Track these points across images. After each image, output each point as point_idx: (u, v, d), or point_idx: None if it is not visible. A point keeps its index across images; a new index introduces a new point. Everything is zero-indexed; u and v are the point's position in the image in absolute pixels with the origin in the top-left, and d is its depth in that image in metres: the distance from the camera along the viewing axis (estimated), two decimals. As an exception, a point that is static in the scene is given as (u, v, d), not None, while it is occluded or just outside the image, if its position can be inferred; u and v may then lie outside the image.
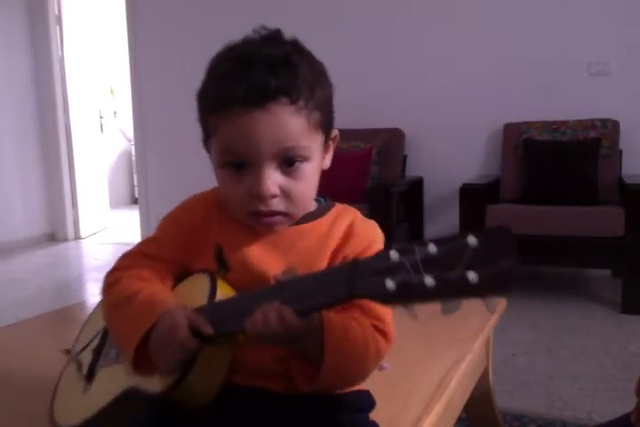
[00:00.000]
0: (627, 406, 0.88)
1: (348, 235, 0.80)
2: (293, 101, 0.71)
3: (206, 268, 0.79)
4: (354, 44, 3.93)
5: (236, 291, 0.76)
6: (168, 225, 0.85)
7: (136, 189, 5.98)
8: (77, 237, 5.15)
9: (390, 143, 3.67)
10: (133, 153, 5.48)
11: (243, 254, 0.78)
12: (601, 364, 2.20)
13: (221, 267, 0.78)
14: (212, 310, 0.72)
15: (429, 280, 0.53)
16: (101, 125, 5.97)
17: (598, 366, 2.18)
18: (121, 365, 0.78)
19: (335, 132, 0.82)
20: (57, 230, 5.11)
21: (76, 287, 3.69)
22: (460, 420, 1.44)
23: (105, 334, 0.88)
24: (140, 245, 0.85)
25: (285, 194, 0.74)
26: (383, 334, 0.76)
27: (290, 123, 0.72)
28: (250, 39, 0.75)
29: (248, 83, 0.70)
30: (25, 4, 4.80)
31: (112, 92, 7.21)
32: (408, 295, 0.55)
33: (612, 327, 2.61)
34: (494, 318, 1.38)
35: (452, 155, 3.76)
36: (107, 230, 5.52)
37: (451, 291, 0.52)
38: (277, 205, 0.75)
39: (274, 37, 0.75)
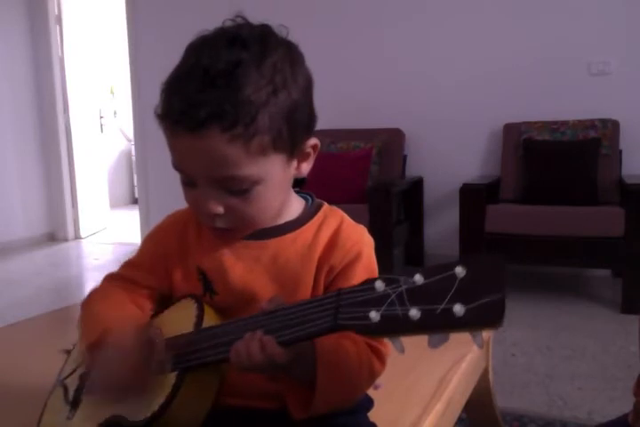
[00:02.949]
0: (627, 407, 0.88)
1: (332, 244, 0.75)
2: (226, 129, 0.63)
3: (193, 292, 0.76)
4: (354, 44, 3.93)
5: (224, 314, 0.75)
6: (146, 249, 0.82)
7: (136, 189, 5.98)
8: (77, 236, 5.14)
9: (390, 143, 3.66)
10: (133, 153, 5.48)
11: (226, 277, 0.75)
12: (601, 364, 2.20)
13: (208, 290, 0.76)
14: (197, 337, 0.71)
15: (414, 312, 0.51)
16: (101, 125, 5.96)
17: (598, 366, 2.18)
18: None
19: (312, 142, 0.73)
20: (57, 230, 5.10)
21: (76, 287, 3.68)
22: (460, 420, 1.44)
23: None
24: (122, 267, 0.83)
25: (233, 213, 0.69)
26: (378, 354, 0.73)
27: (224, 151, 0.64)
28: (209, 38, 0.67)
29: (181, 102, 0.64)
30: (25, 4, 4.80)
31: (112, 92, 7.20)
32: (392, 328, 0.53)
33: (612, 327, 2.61)
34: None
35: (452, 155, 3.76)
36: (107, 230, 5.51)
37: (436, 324, 0.51)
38: (223, 223, 0.70)
39: (234, 38, 0.66)
